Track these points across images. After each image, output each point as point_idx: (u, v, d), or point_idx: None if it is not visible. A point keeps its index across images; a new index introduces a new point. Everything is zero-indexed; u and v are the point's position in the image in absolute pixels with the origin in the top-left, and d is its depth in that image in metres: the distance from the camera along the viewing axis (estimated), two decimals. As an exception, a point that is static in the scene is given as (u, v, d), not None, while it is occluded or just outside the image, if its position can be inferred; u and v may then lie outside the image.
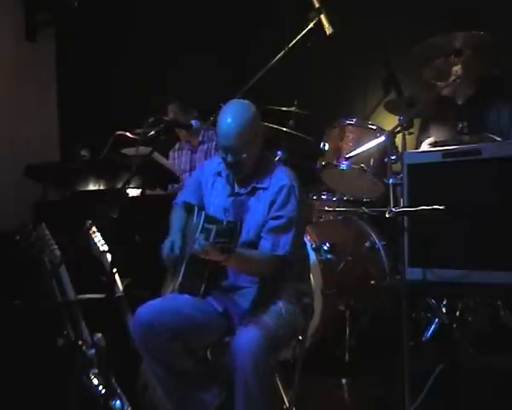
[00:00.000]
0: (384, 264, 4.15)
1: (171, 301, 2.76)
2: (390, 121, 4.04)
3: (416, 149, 3.94)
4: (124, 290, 3.11)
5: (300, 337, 2.86)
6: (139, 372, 3.05)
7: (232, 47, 5.35)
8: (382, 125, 3.93)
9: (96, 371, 2.98)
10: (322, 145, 4.00)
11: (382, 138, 3.63)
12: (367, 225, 4.25)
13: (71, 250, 3.01)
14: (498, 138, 3.44)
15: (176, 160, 4.82)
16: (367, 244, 4.15)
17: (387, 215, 2.86)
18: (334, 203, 4.26)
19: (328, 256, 3.88)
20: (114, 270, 2.89)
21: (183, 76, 5.39)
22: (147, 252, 3.64)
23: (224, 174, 2.85)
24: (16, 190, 5.12)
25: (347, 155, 3.81)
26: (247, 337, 2.48)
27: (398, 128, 3.41)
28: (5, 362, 3.36)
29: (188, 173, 4.63)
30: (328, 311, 3.78)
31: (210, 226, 2.51)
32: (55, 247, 3.05)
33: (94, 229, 3.12)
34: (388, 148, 3.38)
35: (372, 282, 4.05)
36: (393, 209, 2.87)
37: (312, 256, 3.72)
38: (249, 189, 2.77)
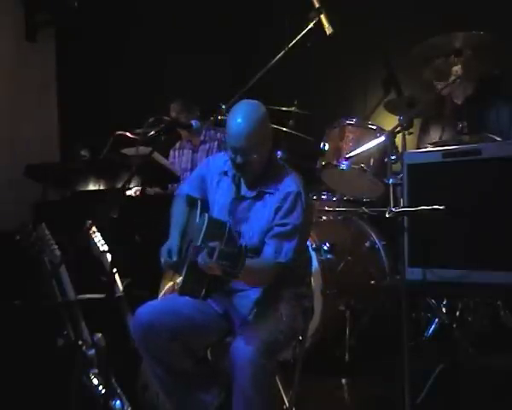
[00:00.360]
0: (384, 264, 4.15)
1: (171, 302, 2.76)
2: (390, 121, 4.03)
3: (418, 148, 3.93)
4: (124, 290, 3.11)
5: (300, 338, 2.86)
6: (139, 372, 3.05)
7: (232, 47, 5.35)
8: (382, 125, 3.93)
9: (96, 371, 2.98)
10: (322, 145, 4.00)
11: (382, 138, 3.63)
12: (367, 225, 4.25)
13: (71, 250, 3.01)
14: (498, 138, 3.44)
15: (176, 159, 4.81)
16: (367, 244, 4.15)
17: (387, 215, 2.85)
18: (334, 203, 4.26)
19: (328, 256, 3.88)
20: (114, 270, 2.89)
21: (184, 76, 5.39)
22: (147, 252, 3.64)
23: (230, 174, 2.79)
24: (16, 190, 5.12)
25: (347, 155, 3.81)
26: (246, 342, 2.45)
27: (398, 128, 3.40)
28: (5, 362, 3.36)
29: (188, 173, 4.61)
30: (328, 311, 3.77)
31: (213, 245, 2.38)
32: (55, 247, 3.04)
33: (94, 229, 3.12)
34: (388, 148, 3.37)
35: (372, 282, 4.05)
36: (393, 209, 2.87)
37: (312, 256, 3.72)
38: (256, 192, 2.72)
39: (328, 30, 3.86)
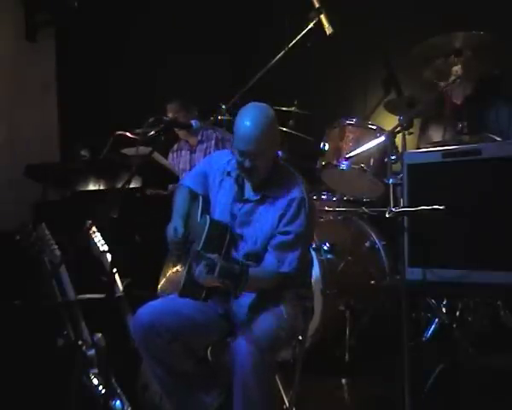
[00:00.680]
0: (384, 264, 4.15)
1: (171, 302, 2.75)
2: (390, 121, 4.03)
3: (418, 148, 3.93)
4: (124, 290, 3.11)
5: (300, 338, 2.85)
6: (139, 372, 3.05)
7: (232, 47, 5.35)
8: (382, 125, 3.94)
9: (96, 371, 2.98)
10: (322, 145, 4.00)
11: (382, 138, 3.63)
12: (367, 225, 4.25)
13: (71, 250, 3.01)
14: (498, 138, 3.44)
15: (175, 160, 4.81)
16: (367, 244, 4.15)
17: (387, 215, 2.85)
18: (334, 203, 4.26)
19: (328, 256, 3.89)
20: (114, 270, 2.89)
21: (183, 76, 5.38)
22: (147, 252, 3.65)
23: (233, 174, 2.77)
24: (16, 190, 5.12)
25: (347, 155, 3.81)
26: (247, 338, 2.46)
27: (398, 128, 3.40)
28: (5, 362, 3.36)
29: (187, 173, 4.62)
30: (329, 311, 3.77)
31: (214, 259, 2.38)
32: (55, 247, 3.04)
33: (94, 229, 3.11)
34: (388, 148, 3.37)
35: (372, 282, 4.05)
36: (393, 209, 2.87)
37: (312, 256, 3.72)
38: (259, 196, 2.70)
39: (328, 30, 3.86)
